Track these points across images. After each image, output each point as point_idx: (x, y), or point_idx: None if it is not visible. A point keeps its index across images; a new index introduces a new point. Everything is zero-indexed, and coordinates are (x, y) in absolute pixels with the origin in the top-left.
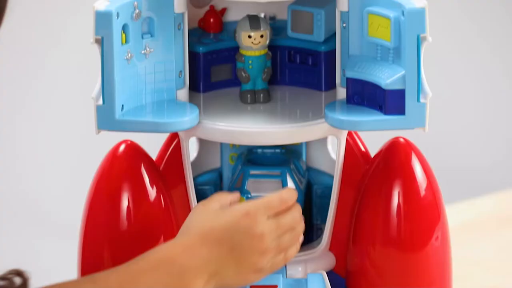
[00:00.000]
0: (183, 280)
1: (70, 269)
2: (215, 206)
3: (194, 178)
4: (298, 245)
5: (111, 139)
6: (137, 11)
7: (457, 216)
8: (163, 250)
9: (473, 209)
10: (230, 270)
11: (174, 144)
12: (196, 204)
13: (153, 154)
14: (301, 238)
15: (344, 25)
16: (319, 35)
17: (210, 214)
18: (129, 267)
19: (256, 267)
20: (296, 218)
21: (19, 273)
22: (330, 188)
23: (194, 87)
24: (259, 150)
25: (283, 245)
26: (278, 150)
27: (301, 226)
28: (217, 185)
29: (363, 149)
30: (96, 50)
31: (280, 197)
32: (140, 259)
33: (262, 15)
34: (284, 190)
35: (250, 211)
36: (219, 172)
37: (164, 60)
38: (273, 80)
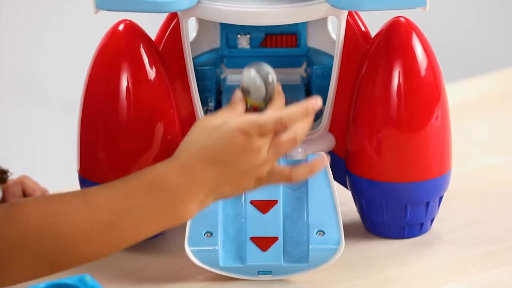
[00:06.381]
0: (176, 201)
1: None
2: (213, 123)
3: (194, 59)
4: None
5: (110, 20)
6: None
7: (457, 94)
8: (156, 170)
9: (473, 88)
10: (227, 186)
11: (173, 24)
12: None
13: (152, 35)
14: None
15: None
16: None
17: (205, 132)
18: (120, 186)
19: (255, 177)
20: (297, 133)
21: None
22: (330, 68)
23: None
24: None
25: (281, 152)
26: None
27: (301, 134)
28: (217, 66)
29: (363, 29)
30: None
31: (274, 120)
32: (132, 177)
33: None
34: (283, 111)
35: (245, 129)
36: (218, 52)
37: None
38: None
